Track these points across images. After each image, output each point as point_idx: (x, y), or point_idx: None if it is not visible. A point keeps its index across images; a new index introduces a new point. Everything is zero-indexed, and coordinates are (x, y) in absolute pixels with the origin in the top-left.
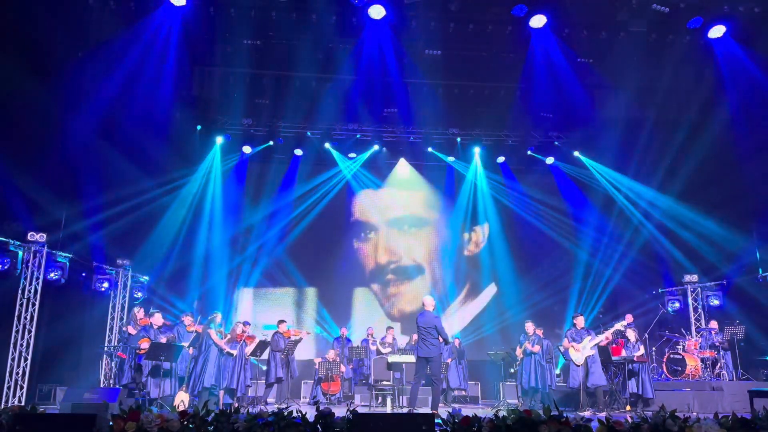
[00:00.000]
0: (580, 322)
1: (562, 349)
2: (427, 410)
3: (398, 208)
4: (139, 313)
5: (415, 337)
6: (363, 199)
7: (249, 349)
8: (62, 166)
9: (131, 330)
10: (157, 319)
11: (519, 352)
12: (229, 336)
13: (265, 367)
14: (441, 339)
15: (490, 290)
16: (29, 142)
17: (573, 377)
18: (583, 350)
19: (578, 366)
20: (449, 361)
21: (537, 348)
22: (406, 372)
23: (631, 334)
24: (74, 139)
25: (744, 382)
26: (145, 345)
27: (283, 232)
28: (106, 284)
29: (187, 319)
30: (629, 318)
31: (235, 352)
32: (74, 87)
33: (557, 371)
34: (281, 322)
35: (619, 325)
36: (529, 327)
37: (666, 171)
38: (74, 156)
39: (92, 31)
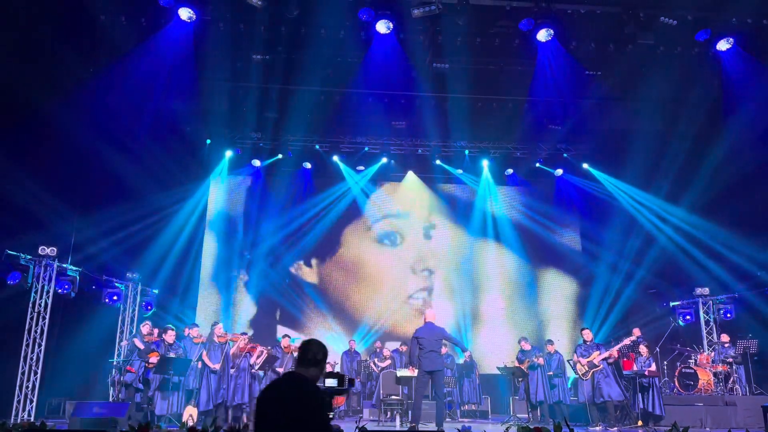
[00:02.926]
0: (588, 335)
1: (572, 363)
2: (433, 427)
3: (405, 221)
4: (144, 327)
5: (404, 348)
6: (370, 212)
7: (257, 362)
8: (73, 181)
9: (138, 344)
10: (170, 336)
11: (524, 366)
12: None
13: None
14: (449, 346)
15: (501, 302)
16: (40, 157)
17: (581, 392)
18: (589, 365)
19: (584, 380)
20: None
21: (542, 361)
22: (414, 387)
23: (644, 349)
24: (85, 154)
25: (758, 396)
26: (153, 359)
27: (292, 244)
28: (115, 297)
29: (194, 332)
30: (636, 332)
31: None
32: (86, 102)
33: (568, 386)
34: (285, 336)
35: (627, 340)
36: (525, 345)
37: (676, 183)
38: (85, 170)
39: (104, 47)
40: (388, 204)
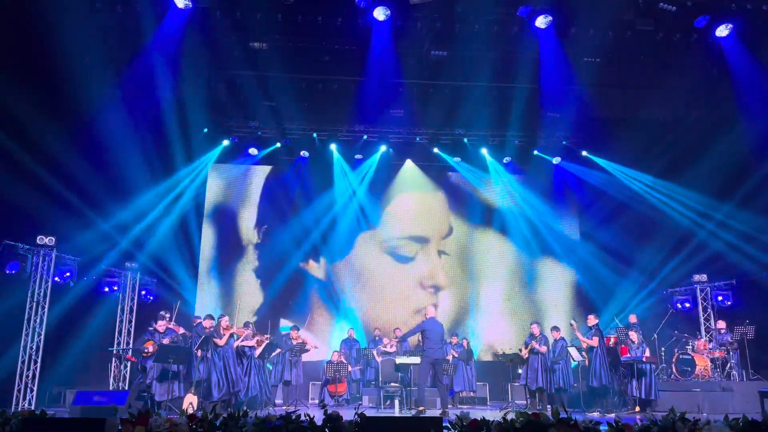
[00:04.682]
0: (589, 321)
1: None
2: (436, 412)
3: (403, 210)
4: (164, 323)
5: (398, 333)
6: (369, 201)
7: (257, 351)
8: (70, 170)
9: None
10: (161, 326)
11: (525, 352)
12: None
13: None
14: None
15: (500, 291)
16: (36, 147)
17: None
18: (587, 351)
19: (586, 365)
20: (450, 357)
21: (544, 348)
22: (414, 373)
23: (634, 336)
24: (82, 143)
25: (755, 382)
26: (150, 348)
27: (290, 233)
28: (116, 287)
29: (207, 323)
30: (633, 318)
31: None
32: (81, 91)
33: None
34: (294, 328)
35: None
36: (535, 329)
37: (674, 169)
38: (82, 159)
39: (99, 37)
40: (386, 192)
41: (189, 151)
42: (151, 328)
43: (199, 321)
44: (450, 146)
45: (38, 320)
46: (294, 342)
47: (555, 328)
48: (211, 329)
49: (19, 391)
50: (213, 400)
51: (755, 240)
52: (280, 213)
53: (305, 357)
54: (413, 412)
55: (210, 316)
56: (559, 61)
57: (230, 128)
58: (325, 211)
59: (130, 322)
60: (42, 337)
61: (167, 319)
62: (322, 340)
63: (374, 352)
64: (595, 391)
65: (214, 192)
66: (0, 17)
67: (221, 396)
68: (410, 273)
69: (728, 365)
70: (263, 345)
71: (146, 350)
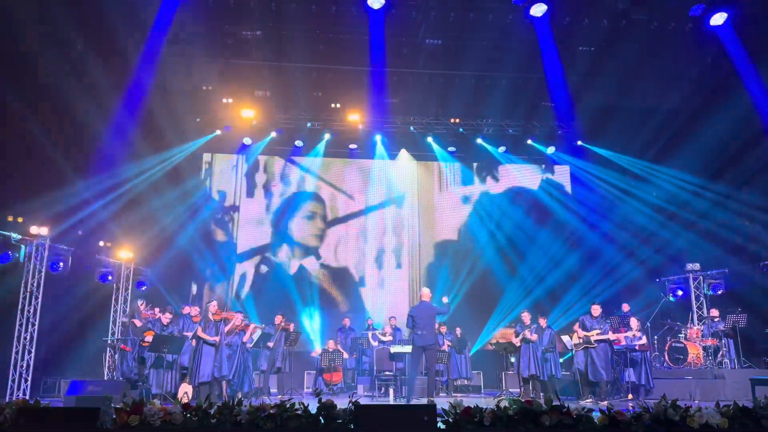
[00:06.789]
0: (596, 311)
1: (573, 329)
2: (425, 401)
3: (396, 200)
4: (141, 305)
5: (393, 321)
6: (364, 192)
7: (252, 338)
8: (64, 161)
9: (137, 322)
10: (166, 318)
11: (516, 341)
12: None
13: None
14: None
15: (492, 279)
16: (30, 137)
17: (576, 362)
18: (585, 339)
19: (576, 351)
20: (446, 347)
21: (535, 337)
22: (409, 362)
23: (635, 323)
24: (76, 134)
25: (746, 369)
26: (149, 338)
27: (283, 222)
28: (110, 277)
29: (194, 310)
30: (626, 307)
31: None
32: (74, 80)
33: (560, 360)
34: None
35: (630, 333)
36: (526, 317)
37: (671, 156)
38: (76, 151)
39: (90, 23)
40: (380, 182)
41: (182, 141)
42: (154, 317)
43: (188, 311)
44: (444, 136)
45: (32, 310)
46: (277, 327)
47: (541, 316)
48: (200, 317)
49: (13, 381)
50: (202, 381)
51: (747, 227)
52: (273, 204)
53: (299, 346)
54: (400, 402)
55: (197, 305)
56: (554, 50)
57: (224, 117)
58: (320, 204)
59: (124, 312)
60: (36, 327)
61: (145, 306)
62: (316, 330)
63: (369, 336)
64: (589, 380)
65: (207, 181)
66: None
67: (207, 378)
68: (404, 265)
69: (720, 353)
70: (257, 334)
71: (144, 339)
